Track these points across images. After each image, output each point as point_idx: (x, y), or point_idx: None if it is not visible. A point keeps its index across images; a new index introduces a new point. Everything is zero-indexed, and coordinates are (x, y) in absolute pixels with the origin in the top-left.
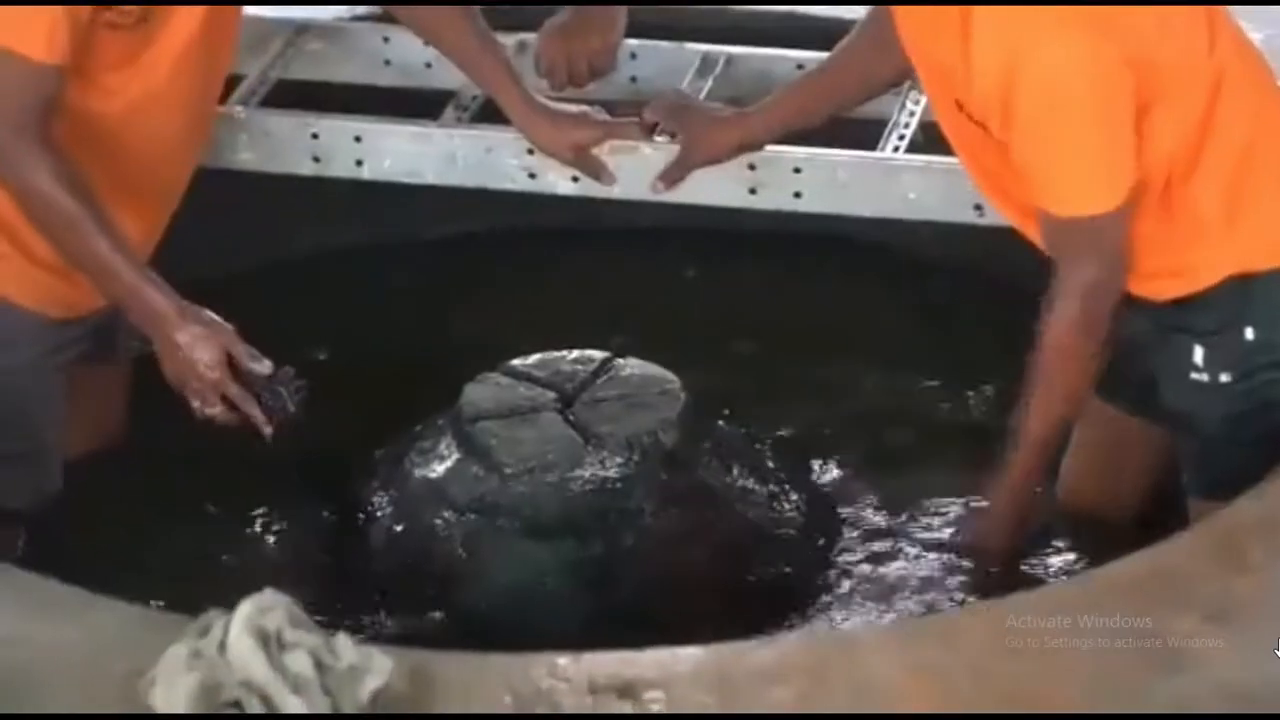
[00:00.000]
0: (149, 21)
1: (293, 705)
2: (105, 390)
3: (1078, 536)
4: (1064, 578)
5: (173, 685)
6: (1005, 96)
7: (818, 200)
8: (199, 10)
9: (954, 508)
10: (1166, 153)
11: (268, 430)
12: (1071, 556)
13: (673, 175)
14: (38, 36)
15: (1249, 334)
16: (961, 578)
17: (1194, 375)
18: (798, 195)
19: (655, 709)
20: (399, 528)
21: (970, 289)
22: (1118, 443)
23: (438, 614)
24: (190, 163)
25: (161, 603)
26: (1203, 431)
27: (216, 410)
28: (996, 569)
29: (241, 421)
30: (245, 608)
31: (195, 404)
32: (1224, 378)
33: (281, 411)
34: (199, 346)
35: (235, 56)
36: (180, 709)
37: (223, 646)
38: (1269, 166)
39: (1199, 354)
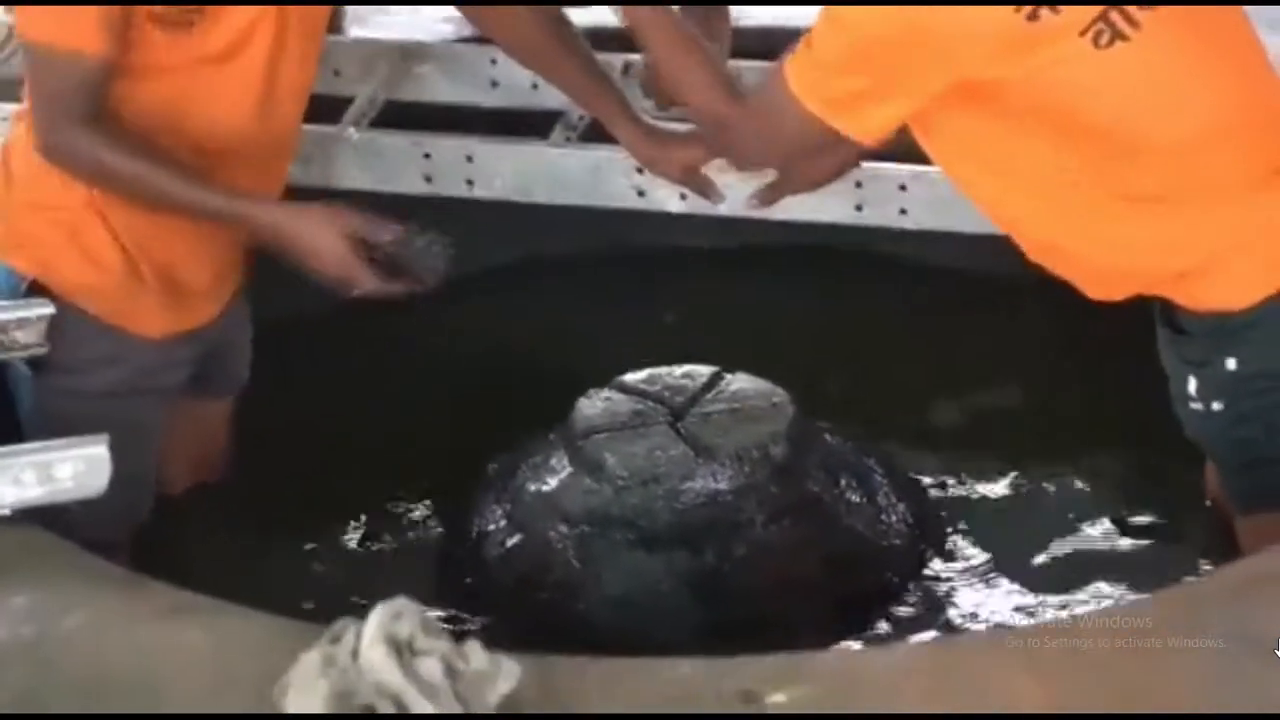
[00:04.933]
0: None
1: (425, 710)
2: (209, 424)
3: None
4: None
5: (307, 691)
6: None
7: (923, 216)
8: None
9: (1057, 515)
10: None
11: (419, 288)
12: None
13: (771, 194)
14: (87, 30)
15: (1230, 365)
16: (1072, 583)
17: (1192, 405)
18: (903, 212)
19: (777, 712)
20: (514, 540)
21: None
22: None
23: (554, 623)
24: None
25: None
26: (1215, 456)
27: (367, 286)
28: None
29: (395, 288)
30: (377, 615)
31: (346, 288)
32: (1215, 406)
33: (430, 269)
34: (320, 234)
35: (344, 80)
36: (314, 714)
37: (355, 653)
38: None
39: (1193, 384)
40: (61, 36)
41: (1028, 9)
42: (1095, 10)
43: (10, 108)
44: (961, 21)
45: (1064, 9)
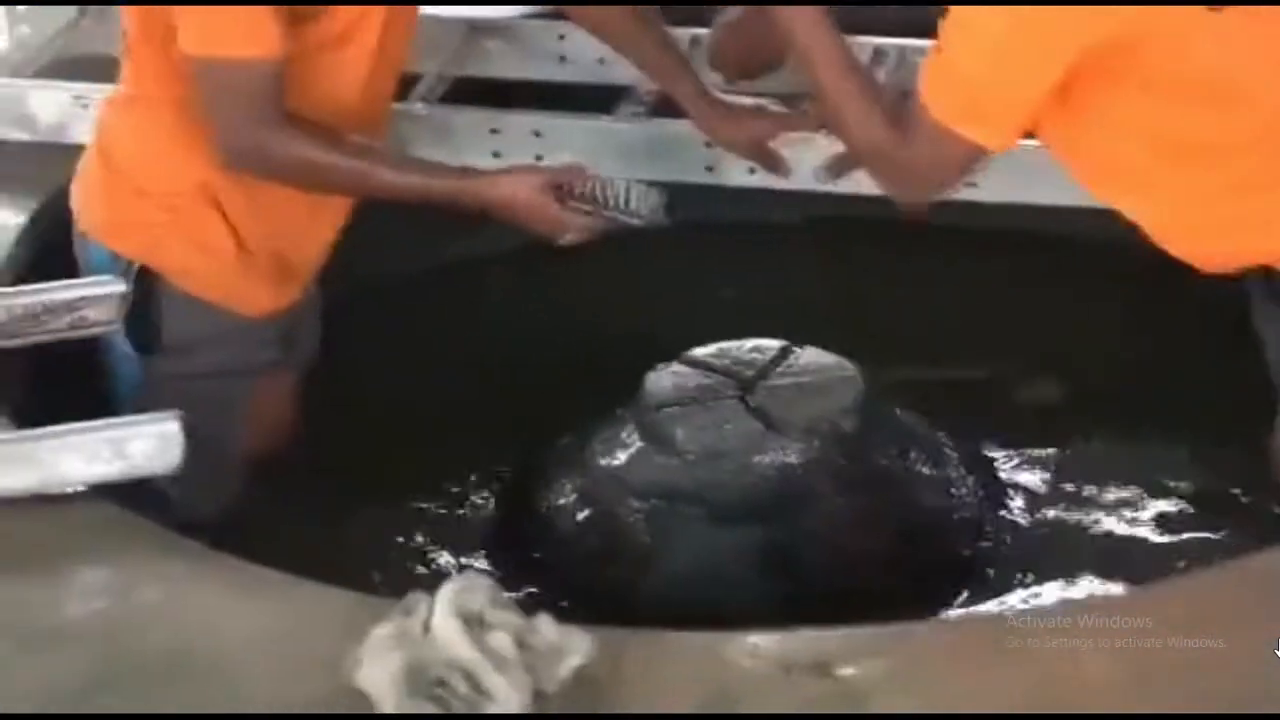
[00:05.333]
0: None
1: (497, 683)
2: (280, 396)
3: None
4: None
5: (379, 665)
6: None
7: (994, 189)
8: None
9: (1125, 490)
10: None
11: (636, 222)
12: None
13: (839, 166)
14: (263, 35)
15: None
16: (1136, 556)
17: None
18: (973, 184)
19: (847, 686)
20: (584, 514)
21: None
22: None
23: (624, 598)
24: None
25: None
26: None
27: (581, 231)
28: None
29: (604, 226)
30: (448, 589)
31: (562, 238)
32: None
33: (644, 207)
34: (520, 195)
35: (412, 56)
36: (387, 688)
37: (427, 627)
38: None
39: None
40: (240, 46)
41: None
42: None
43: (89, 89)
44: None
45: None
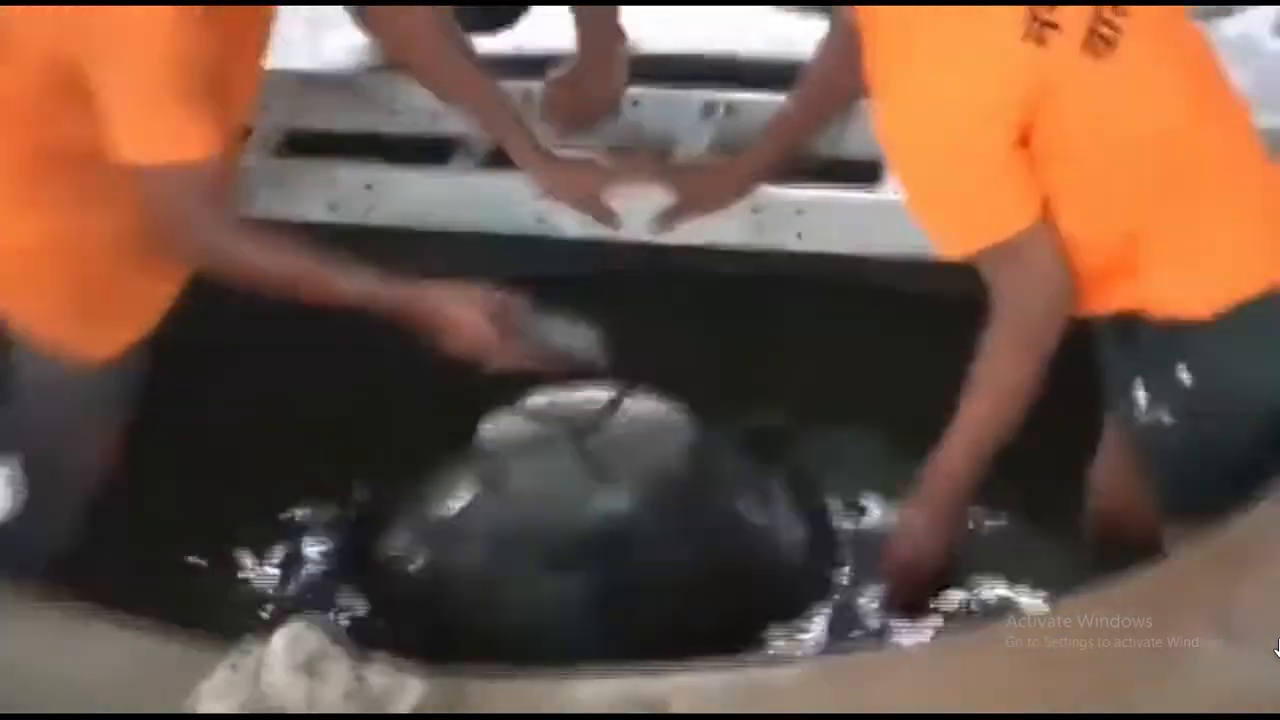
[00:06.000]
0: None
1: None
2: (107, 440)
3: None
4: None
5: (213, 708)
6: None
7: (820, 238)
8: None
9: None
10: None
11: (573, 355)
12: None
13: (669, 218)
14: (189, 138)
15: (1184, 375)
16: (962, 599)
17: (1138, 414)
18: (800, 235)
19: None
20: (421, 559)
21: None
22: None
23: (460, 640)
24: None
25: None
26: (1154, 462)
27: (513, 361)
28: (928, 586)
29: (531, 365)
30: (282, 634)
31: (484, 363)
32: (1165, 419)
33: (577, 350)
34: (465, 318)
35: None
36: None
37: (259, 671)
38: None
39: (1141, 391)
40: (167, 153)
41: (1034, 30)
42: (1086, 17)
43: None
44: (986, 73)
45: (1060, 19)
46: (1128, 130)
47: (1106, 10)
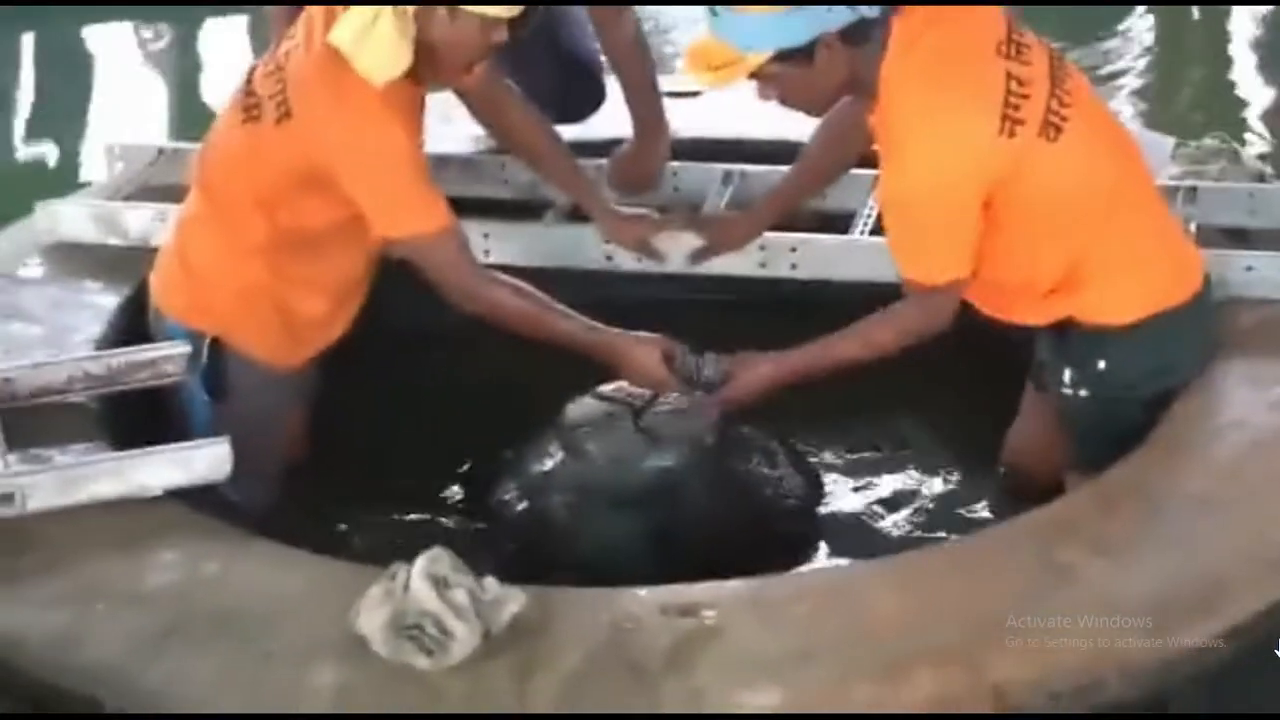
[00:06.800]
0: None
1: (456, 626)
2: (298, 423)
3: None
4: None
5: (372, 615)
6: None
7: (809, 270)
8: None
9: (910, 478)
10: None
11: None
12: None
13: (700, 256)
14: (431, 213)
15: (1101, 365)
16: (918, 525)
17: (1064, 390)
18: (794, 266)
19: (709, 623)
20: (521, 505)
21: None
22: (1044, 415)
23: (552, 564)
24: None
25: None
26: (1071, 427)
27: (674, 389)
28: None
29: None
30: (421, 560)
31: (663, 391)
32: (1083, 394)
33: (712, 376)
34: (650, 361)
35: None
36: (377, 631)
37: (406, 587)
38: (1122, 236)
39: (1068, 375)
40: (421, 226)
41: (1007, 127)
42: (1042, 110)
43: (165, 208)
44: (969, 159)
45: (1026, 115)
46: (1071, 190)
47: (1054, 103)
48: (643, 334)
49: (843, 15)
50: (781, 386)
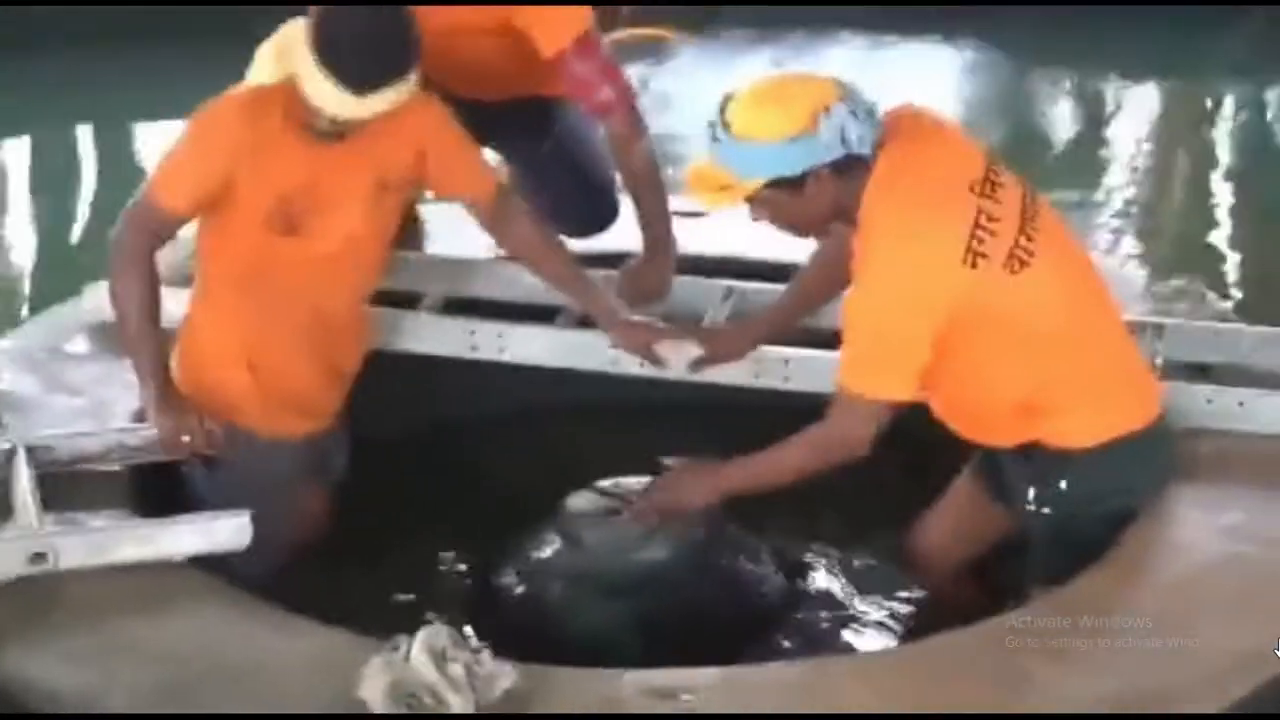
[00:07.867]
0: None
1: (452, 699)
2: (315, 501)
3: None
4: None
5: (373, 682)
6: None
7: (800, 382)
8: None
9: (873, 579)
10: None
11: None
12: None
13: (700, 364)
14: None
15: (1062, 485)
16: (885, 626)
17: (1028, 506)
18: (786, 379)
19: (686, 707)
20: (521, 589)
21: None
22: (983, 519)
23: (545, 643)
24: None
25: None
26: (1033, 540)
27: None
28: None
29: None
30: (422, 633)
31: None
32: (1045, 510)
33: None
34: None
35: (421, 280)
36: (378, 697)
37: (407, 658)
38: (1075, 366)
39: (1031, 493)
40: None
41: (970, 258)
42: (1008, 245)
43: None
44: (932, 284)
45: (990, 249)
46: (1032, 319)
47: (1023, 239)
48: (175, 402)
49: (836, 150)
50: (718, 498)
